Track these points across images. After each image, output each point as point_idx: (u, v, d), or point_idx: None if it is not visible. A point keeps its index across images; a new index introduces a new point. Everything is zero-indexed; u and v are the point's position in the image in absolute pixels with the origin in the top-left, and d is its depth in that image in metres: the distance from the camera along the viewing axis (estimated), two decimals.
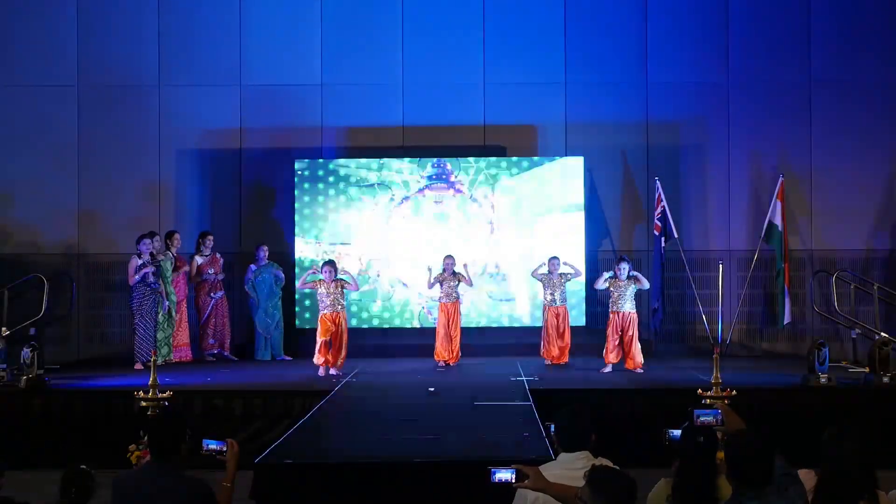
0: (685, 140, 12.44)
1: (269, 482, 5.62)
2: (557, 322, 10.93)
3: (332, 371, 10.16)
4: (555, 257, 11.08)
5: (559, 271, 11.00)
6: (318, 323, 10.37)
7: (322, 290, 10.29)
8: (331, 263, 10.45)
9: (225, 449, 4.34)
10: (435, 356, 10.96)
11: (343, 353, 10.31)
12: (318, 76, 12.50)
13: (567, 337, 10.96)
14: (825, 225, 12.33)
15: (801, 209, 12.34)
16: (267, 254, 11.72)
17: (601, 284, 10.70)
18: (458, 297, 11.06)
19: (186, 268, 11.51)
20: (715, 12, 12.47)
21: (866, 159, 12.30)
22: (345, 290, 10.45)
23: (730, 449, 3.77)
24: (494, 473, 3.70)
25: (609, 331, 10.50)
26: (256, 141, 12.44)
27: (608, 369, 10.40)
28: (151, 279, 10.74)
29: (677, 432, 4.36)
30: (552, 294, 10.97)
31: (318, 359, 10.21)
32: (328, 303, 10.27)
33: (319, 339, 10.23)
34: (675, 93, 12.42)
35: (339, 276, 10.42)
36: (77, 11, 12.47)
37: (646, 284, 10.73)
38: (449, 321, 10.97)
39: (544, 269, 11.07)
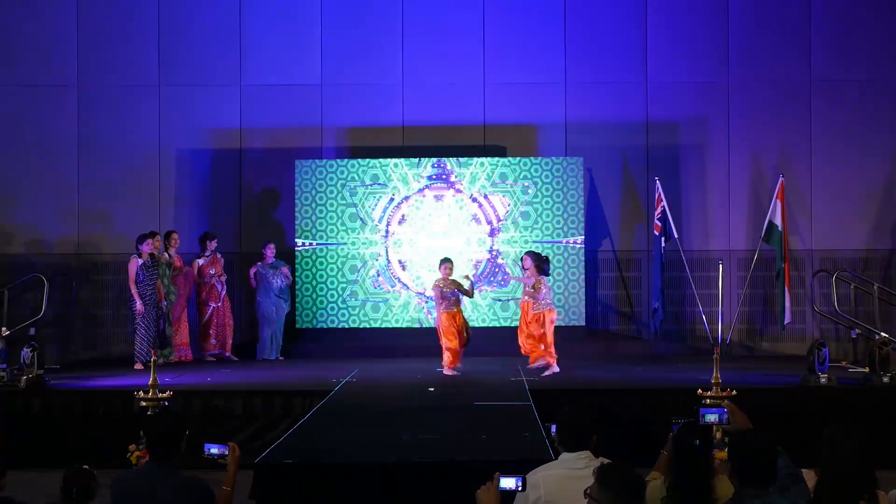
0: (685, 140, 12.44)
1: (269, 482, 5.62)
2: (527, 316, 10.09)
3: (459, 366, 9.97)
4: (527, 252, 10.41)
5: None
6: (441, 324, 10.10)
7: (440, 289, 10.06)
8: (448, 261, 10.24)
9: (227, 453, 4.34)
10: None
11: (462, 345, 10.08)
12: (318, 76, 12.50)
13: (539, 336, 10.10)
14: (825, 225, 12.33)
15: (801, 209, 12.33)
16: (274, 252, 11.70)
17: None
18: (457, 305, 10.27)
19: (186, 268, 11.50)
20: (715, 12, 12.47)
21: (866, 159, 12.30)
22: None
23: (733, 448, 3.77)
24: (499, 481, 3.65)
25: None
26: (257, 141, 12.44)
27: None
28: (145, 277, 10.68)
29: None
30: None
31: (447, 359, 9.99)
32: (450, 301, 10.06)
33: (449, 343, 9.97)
34: (675, 93, 12.42)
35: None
36: (77, 11, 12.47)
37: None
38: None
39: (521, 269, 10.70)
